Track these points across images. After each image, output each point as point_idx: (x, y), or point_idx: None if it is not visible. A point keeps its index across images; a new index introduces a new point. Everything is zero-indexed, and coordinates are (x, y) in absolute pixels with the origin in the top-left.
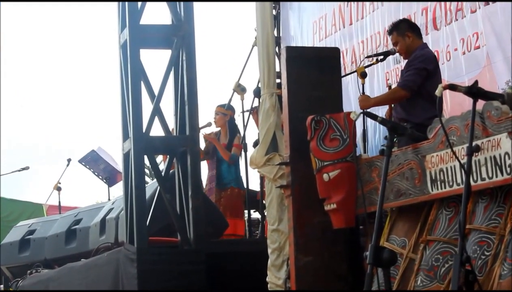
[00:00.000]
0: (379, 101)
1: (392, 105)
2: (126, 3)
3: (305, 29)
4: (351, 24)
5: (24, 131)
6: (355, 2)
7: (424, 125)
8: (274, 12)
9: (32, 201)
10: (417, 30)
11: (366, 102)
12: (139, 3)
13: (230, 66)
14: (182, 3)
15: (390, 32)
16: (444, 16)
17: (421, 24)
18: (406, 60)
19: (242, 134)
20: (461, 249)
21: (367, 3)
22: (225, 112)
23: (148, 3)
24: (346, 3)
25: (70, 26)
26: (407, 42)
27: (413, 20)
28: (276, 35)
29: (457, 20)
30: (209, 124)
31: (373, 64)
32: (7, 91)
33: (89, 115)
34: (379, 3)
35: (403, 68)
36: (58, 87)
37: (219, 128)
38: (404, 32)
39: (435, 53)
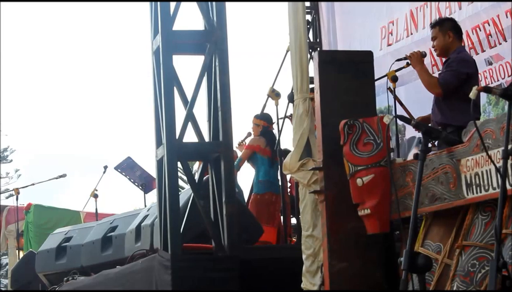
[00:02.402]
0: (423, 74)
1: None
2: (159, 9)
3: (369, 34)
4: (424, 28)
5: (61, 139)
6: (429, 8)
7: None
8: (309, 17)
9: (69, 208)
10: (459, 33)
11: (417, 60)
12: (172, 9)
13: (265, 71)
14: (215, 8)
15: (433, 26)
16: None
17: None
18: (444, 60)
19: (277, 139)
20: (497, 254)
21: (443, 8)
22: (257, 123)
23: (180, 10)
24: (419, 7)
25: (103, 34)
26: (446, 41)
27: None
28: (312, 40)
29: None
30: (249, 135)
31: (403, 67)
32: (44, 100)
33: (124, 122)
34: (457, 7)
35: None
36: (93, 95)
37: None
38: (447, 30)
39: None
